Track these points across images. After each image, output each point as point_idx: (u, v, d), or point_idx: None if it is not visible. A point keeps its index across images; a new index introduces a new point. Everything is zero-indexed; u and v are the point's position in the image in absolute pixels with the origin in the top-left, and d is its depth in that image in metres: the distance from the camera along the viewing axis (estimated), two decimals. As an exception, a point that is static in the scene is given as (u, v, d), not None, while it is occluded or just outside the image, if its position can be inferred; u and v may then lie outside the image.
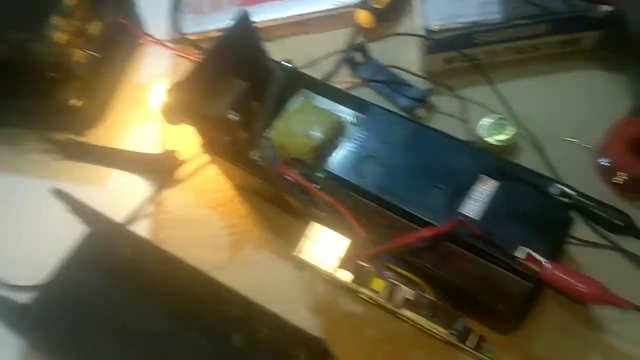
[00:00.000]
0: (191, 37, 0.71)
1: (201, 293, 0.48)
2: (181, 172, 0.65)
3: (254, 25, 0.53)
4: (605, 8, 0.59)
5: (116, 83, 0.71)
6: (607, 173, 0.57)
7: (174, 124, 0.59)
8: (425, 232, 0.41)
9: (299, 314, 0.54)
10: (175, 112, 0.52)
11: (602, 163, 0.58)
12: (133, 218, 0.62)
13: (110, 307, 0.49)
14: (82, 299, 0.50)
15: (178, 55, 0.69)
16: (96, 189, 0.65)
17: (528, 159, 0.58)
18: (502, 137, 0.59)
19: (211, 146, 0.55)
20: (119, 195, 0.64)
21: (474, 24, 0.61)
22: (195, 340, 0.47)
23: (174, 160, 0.64)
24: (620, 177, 0.56)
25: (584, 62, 0.65)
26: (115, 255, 0.51)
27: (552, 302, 0.52)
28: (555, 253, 0.44)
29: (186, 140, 0.63)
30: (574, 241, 0.52)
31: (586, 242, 0.54)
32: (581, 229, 0.54)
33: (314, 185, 0.47)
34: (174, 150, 0.65)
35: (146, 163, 0.65)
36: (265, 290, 0.53)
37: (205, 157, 0.64)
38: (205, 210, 0.62)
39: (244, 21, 0.52)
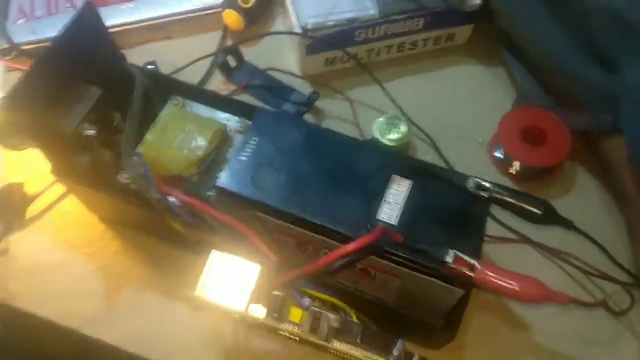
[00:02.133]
0: (25, 47, 0.59)
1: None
2: (32, 209, 0.53)
3: (101, 19, 0.44)
4: (476, 1, 0.59)
5: None
6: (502, 165, 0.57)
7: (13, 148, 0.48)
8: (349, 247, 0.35)
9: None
10: (11, 133, 0.41)
11: (497, 155, 0.57)
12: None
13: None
14: None
15: (11, 67, 0.57)
16: None
17: (424, 158, 0.55)
18: (395, 135, 0.56)
19: (65, 170, 0.44)
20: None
21: (351, 20, 0.57)
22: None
23: (20, 195, 0.52)
24: (515, 167, 0.56)
25: (461, 57, 0.64)
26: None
27: (472, 306, 0.49)
28: (479, 252, 0.40)
29: (36, 169, 0.52)
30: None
31: (495, 237, 0.52)
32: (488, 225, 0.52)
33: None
34: (19, 183, 0.53)
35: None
36: (157, 341, 0.44)
37: (62, 188, 0.53)
38: (67, 253, 0.51)
39: (87, 15, 0.42)
